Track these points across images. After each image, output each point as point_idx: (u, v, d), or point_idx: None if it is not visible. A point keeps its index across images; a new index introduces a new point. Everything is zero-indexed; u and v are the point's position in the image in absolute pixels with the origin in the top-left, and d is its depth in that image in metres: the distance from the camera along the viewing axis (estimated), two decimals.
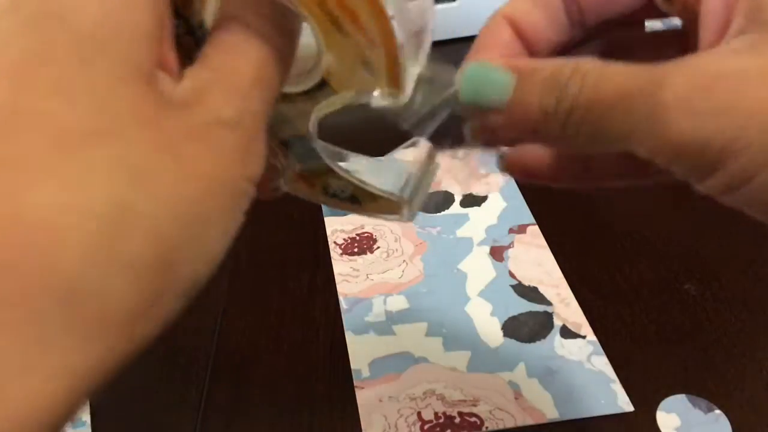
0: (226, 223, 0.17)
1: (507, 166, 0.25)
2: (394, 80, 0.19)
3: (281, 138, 0.23)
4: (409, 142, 0.23)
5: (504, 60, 0.20)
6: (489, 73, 0.20)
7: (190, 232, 0.16)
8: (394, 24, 0.18)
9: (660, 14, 0.22)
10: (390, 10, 0.17)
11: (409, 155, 0.24)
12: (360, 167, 0.24)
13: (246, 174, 0.17)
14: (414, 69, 0.20)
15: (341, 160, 0.24)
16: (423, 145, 0.23)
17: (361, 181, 0.24)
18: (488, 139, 0.22)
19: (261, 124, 0.18)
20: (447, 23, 0.73)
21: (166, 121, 0.15)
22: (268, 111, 0.18)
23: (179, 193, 0.15)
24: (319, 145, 0.23)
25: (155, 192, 0.15)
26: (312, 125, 0.22)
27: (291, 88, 0.21)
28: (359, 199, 0.24)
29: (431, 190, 0.25)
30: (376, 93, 0.20)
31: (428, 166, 0.24)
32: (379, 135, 0.23)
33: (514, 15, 0.23)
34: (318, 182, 0.24)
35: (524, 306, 0.47)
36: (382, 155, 0.25)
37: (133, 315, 0.15)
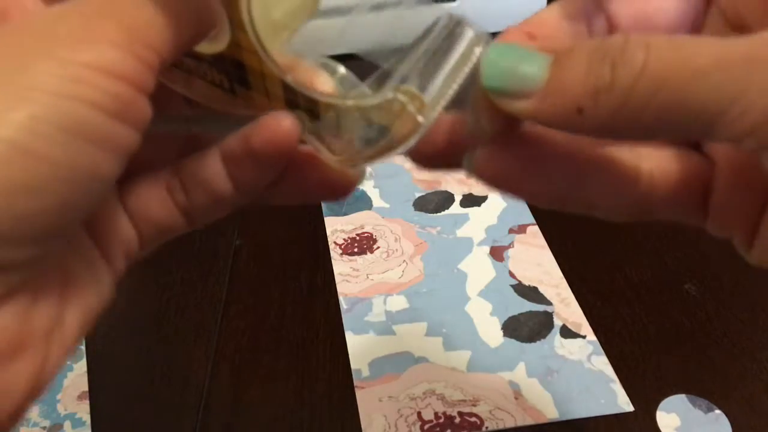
0: (46, 105, 0.14)
1: (476, 169, 0.21)
2: None
3: (286, 101, 0.21)
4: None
5: (533, 44, 0.18)
6: (519, 52, 0.17)
7: None
8: None
9: None
10: None
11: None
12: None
13: (80, 59, 0.15)
14: None
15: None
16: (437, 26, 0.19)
17: (355, 96, 0.20)
18: (509, 129, 0.19)
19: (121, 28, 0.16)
20: None
21: None
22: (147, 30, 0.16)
23: None
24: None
25: None
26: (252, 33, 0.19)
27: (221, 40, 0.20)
28: (386, 125, 0.20)
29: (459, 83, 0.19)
30: None
31: (441, 44, 0.19)
32: None
33: None
34: (341, 132, 0.21)
35: (524, 306, 0.47)
36: None
37: None
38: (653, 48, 0.16)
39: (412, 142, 0.19)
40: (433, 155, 0.21)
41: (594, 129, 0.17)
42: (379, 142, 0.20)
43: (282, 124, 0.19)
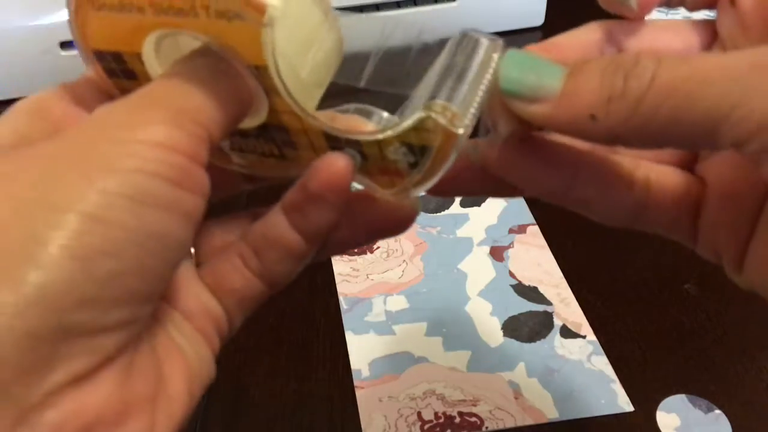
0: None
1: (481, 156, 0.22)
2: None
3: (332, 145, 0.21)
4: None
5: (550, 55, 0.19)
6: (536, 59, 0.19)
7: None
8: None
9: None
10: None
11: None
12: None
13: (135, 137, 0.17)
14: None
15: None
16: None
17: (391, 126, 0.21)
18: (521, 130, 0.20)
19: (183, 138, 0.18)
20: (446, 23, 0.73)
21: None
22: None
23: None
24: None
25: None
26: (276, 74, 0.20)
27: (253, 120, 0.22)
28: (425, 145, 0.20)
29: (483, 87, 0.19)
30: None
31: (458, 58, 0.20)
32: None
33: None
34: (387, 164, 0.21)
35: (524, 306, 0.47)
36: None
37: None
38: (663, 61, 0.17)
39: (454, 155, 0.20)
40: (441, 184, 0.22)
41: (605, 136, 0.18)
42: (424, 164, 0.21)
43: (335, 162, 0.21)
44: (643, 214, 0.22)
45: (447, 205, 0.55)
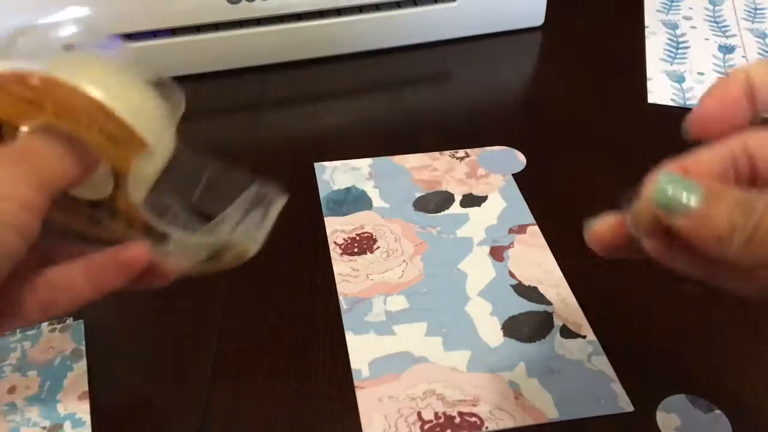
0: None
1: (596, 240, 0.32)
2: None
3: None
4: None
5: (695, 177, 0.24)
6: (683, 180, 0.23)
7: None
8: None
9: None
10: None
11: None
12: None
13: None
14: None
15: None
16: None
17: (200, 234, 0.31)
18: (661, 245, 0.25)
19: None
20: (446, 23, 0.73)
21: None
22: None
23: None
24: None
25: None
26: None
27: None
28: (219, 252, 0.31)
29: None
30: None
31: (256, 202, 0.33)
32: None
33: (751, 73, 0.26)
34: (186, 254, 0.31)
35: (524, 306, 0.47)
36: None
37: None
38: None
39: (238, 263, 0.32)
40: (603, 248, 0.31)
41: (725, 256, 0.23)
42: (212, 262, 0.31)
43: (138, 248, 0.29)
44: None
45: (447, 205, 0.55)
